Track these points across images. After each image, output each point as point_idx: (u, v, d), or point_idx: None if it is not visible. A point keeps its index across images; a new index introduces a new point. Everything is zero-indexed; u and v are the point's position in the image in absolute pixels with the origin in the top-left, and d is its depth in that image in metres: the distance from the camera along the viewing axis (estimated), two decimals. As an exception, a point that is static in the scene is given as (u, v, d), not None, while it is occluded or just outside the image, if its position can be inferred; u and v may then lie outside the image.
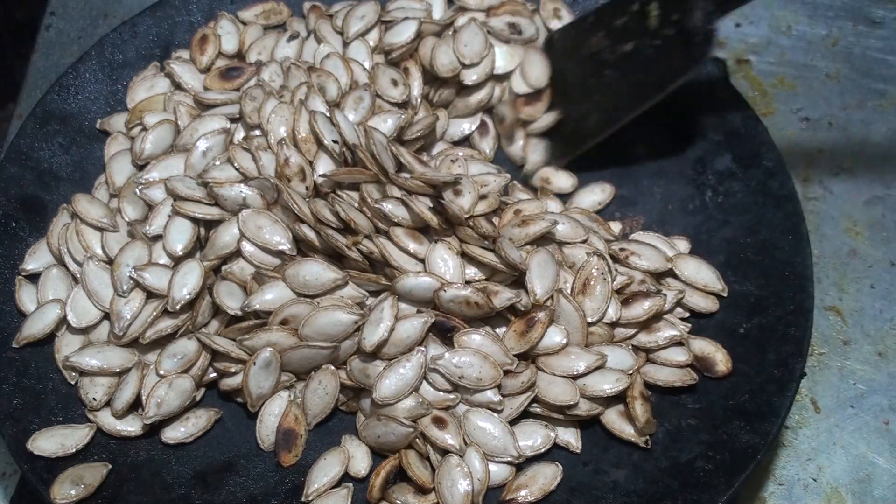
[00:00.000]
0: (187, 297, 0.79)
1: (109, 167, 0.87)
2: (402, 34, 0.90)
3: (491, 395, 0.76)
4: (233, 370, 0.79)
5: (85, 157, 0.90)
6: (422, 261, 0.79)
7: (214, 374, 0.80)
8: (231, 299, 0.79)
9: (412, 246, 0.79)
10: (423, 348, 0.77)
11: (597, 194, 0.89)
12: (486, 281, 0.79)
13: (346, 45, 0.92)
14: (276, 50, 0.92)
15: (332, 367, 0.78)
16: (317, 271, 0.78)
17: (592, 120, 0.89)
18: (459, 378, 0.76)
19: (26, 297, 0.83)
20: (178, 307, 0.78)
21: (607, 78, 0.87)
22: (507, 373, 0.76)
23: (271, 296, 0.78)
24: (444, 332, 0.77)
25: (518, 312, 0.78)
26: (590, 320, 0.78)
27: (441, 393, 0.77)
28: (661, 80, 0.83)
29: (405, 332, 0.77)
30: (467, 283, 0.78)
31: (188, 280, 0.79)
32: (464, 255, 0.79)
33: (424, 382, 0.77)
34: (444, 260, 0.78)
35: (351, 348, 0.78)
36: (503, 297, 0.77)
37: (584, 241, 0.82)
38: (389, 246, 0.78)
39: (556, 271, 0.79)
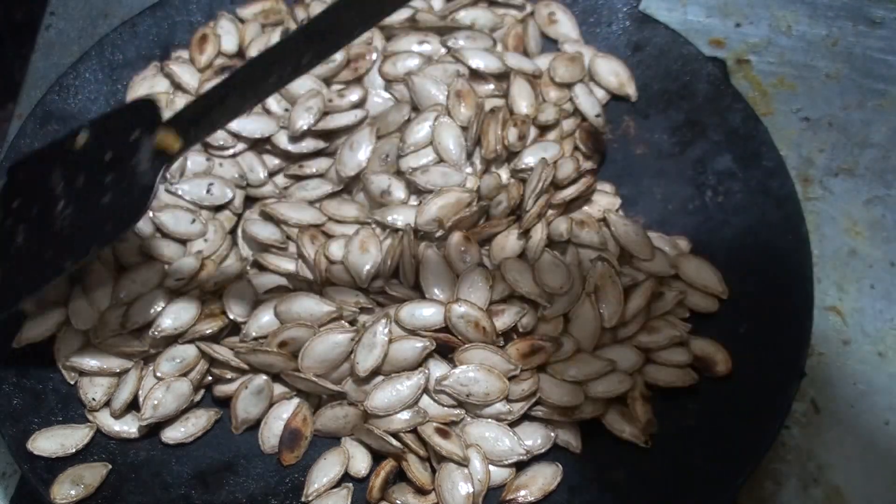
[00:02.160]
0: (171, 331, 0.78)
1: None
2: (398, 15, 0.91)
3: (500, 407, 0.76)
4: (229, 376, 0.79)
5: (85, 157, 0.90)
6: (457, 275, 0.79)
7: (211, 378, 0.81)
8: (238, 306, 0.79)
9: (459, 252, 0.80)
10: (425, 370, 0.77)
11: (596, 194, 0.89)
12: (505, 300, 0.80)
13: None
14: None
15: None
16: (309, 305, 0.78)
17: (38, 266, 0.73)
18: (468, 396, 0.76)
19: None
20: (157, 336, 0.78)
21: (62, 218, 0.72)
22: (511, 378, 0.76)
23: (268, 318, 0.78)
24: (443, 352, 0.78)
25: (520, 333, 0.78)
26: (607, 326, 0.78)
27: (446, 408, 0.77)
28: (102, 232, 0.70)
29: (402, 355, 0.76)
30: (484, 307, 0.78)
31: (181, 315, 0.79)
32: (499, 269, 0.79)
33: (429, 399, 0.77)
34: (476, 284, 0.78)
35: (347, 370, 0.78)
36: (505, 319, 0.77)
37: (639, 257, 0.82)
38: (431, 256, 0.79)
39: (576, 295, 0.79)
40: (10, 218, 0.73)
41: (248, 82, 0.65)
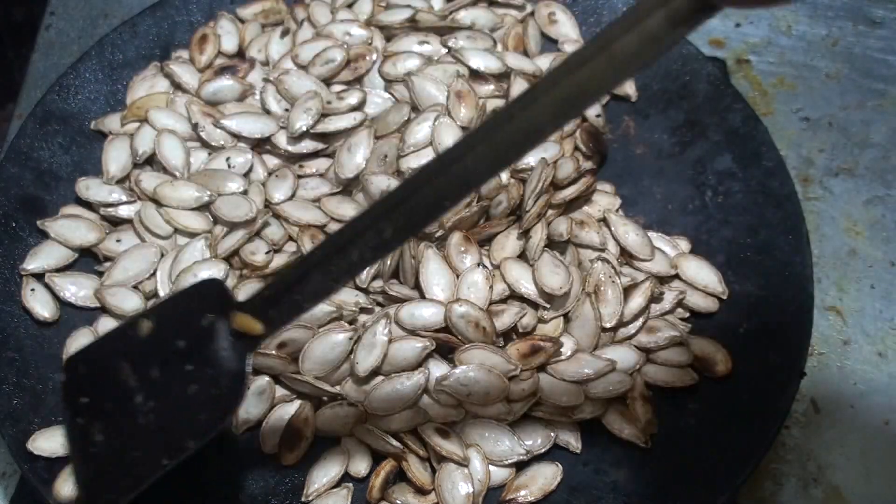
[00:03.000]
0: None
1: (106, 154, 0.87)
2: (399, 15, 0.91)
3: (500, 407, 0.76)
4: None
5: (85, 157, 0.89)
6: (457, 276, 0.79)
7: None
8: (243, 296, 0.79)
9: (459, 252, 0.79)
10: (425, 370, 0.77)
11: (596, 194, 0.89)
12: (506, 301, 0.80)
13: (333, 12, 0.92)
14: (269, 47, 0.92)
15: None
16: None
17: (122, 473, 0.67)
18: (468, 396, 0.76)
19: (37, 303, 0.82)
20: None
21: (139, 416, 0.66)
22: (511, 378, 0.76)
23: None
24: (443, 352, 0.78)
25: (519, 333, 0.78)
26: (606, 325, 0.78)
27: (446, 408, 0.77)
28: (192, 428, 0.64)
29: (402, 355, 0.76)
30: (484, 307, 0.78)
31: None
32: (499, 269, 0.79)
33: (429, 398, 0.77)
34: (476, 284, 0.78)
35: (347, 370, 0.78)
36: (504, 319, 0.77)
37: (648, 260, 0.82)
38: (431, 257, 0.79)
39: (576, 295, 0.79)
40: (82, 416, 0.68)
41: (328, 259, 0.59)
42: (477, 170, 0.54)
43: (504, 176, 0.85)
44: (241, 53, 0.93)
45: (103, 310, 0.82)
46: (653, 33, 0.48)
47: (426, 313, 0.78)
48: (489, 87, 0.88)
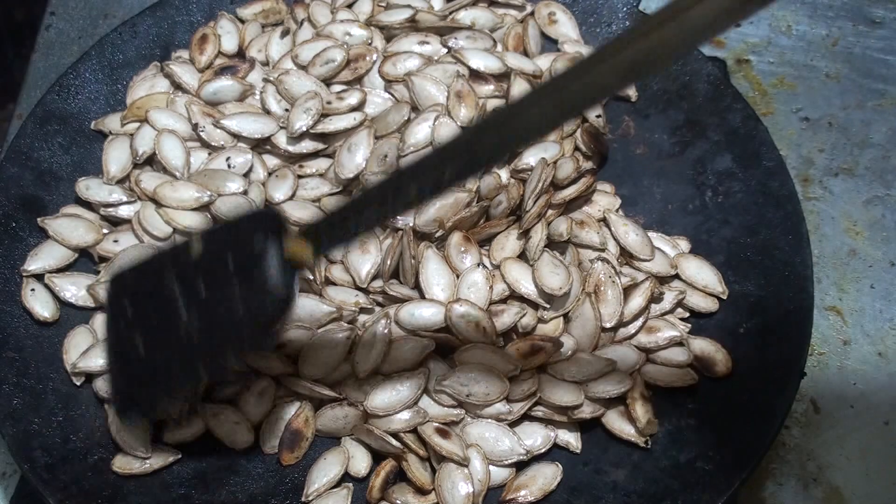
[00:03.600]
0: None
1: (106, 154, 0.87)
2: (399, 15, 0.91)
3: (500, 407, 0.76)
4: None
5: (85, 157, 0.90)
6: (457, 276, 0.79)
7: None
8: None
9: (459, 252, 0.79)
10: (425, 370, 0.77)
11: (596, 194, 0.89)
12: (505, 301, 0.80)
13: (333, 12, 0.92)
14: (269, 47, 0.92)
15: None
16: (309, 306, 0.78)
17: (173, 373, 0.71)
18: (468, 396, 0.76)
19: (37, 303, 0.82)
20: None
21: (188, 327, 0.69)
22: (511, 378, 0.76)
23: None
24: (443, 352, 0.78)
25: (519, 333, 0.78)
26: (606, 325, 0.78)
27: (446, 408, 0.77)
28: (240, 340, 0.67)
29: (402, 355, 0.77)
30: (485, 308, 0.78)
31: None
32: (499, 269, 0.80)
33: (429, 399, 0.77)
34: (476, 284, 0.78)
35: (347, 370, 0.78)
36: (504, 319, 0.77)
37: (649, 260, 0.82)
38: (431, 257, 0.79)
39: (576, 295, 0.79)
40: (125, 327, 0.71)
41: (386, 194, 0.62)
42: (541, 122, 0.57)
43: (504, 176, 0.85)
44: (241, 53, 0.93)
45: (97, 307, 0.82)
46: (726, 5, 0.49)
47: (426, 313, 0.78)
48: (489, 87, 0.88)
